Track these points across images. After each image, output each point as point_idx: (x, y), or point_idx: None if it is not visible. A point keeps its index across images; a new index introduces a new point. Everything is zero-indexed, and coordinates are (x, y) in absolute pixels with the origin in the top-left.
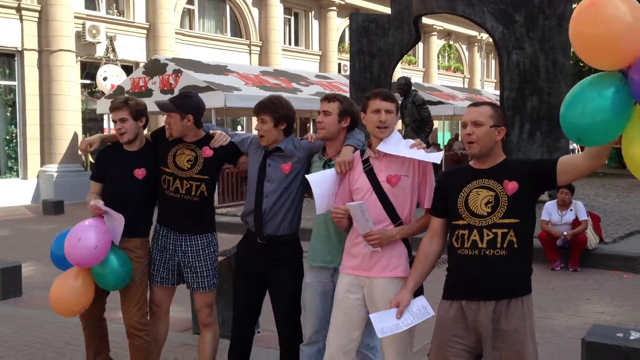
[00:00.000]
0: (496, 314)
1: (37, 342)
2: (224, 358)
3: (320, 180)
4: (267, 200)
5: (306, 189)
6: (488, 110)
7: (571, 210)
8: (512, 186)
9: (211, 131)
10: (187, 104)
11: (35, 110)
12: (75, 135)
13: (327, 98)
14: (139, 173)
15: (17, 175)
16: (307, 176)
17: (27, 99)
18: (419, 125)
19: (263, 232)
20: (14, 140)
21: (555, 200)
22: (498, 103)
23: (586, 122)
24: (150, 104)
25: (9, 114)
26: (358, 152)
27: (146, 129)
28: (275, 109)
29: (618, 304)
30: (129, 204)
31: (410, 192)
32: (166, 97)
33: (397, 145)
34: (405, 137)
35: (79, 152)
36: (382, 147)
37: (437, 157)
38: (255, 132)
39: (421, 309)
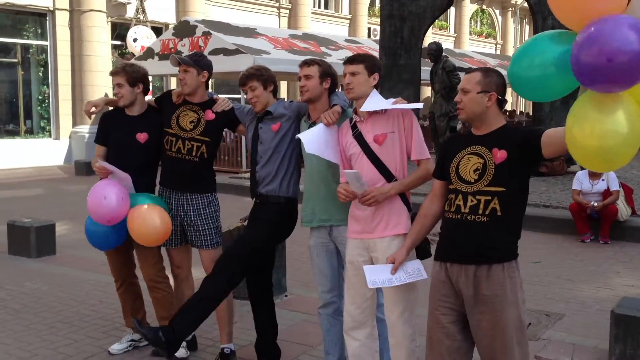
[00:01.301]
0: (477, 279)
1: (71, 299)
2: (245, 320)
3: (309, 134)
4: (260, 162)
5: (296, 151)
6: (477, 76)
7: (603, 180)
8: (500, 155)
9: (215, 96)
10: (204, 61)
11: (67, 71)
12: (107, 96)
13: (307, 63)
14: (141, 137)
15: (50, 136)
16: (298, 135)
17: (58, 59)
18: (448, 92)
19: (258, 191)
20: (47, 101)
21: (587, 170)
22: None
23: (531, 75)
24: (161, 67)
25: (41, 74)
26: (348, 119)
27: (149, 95)
28: (260, 74)
29: None
30: (132, 166)
31: (399, 148)
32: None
33: (378, 103)
34: (434, 104)
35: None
36: (363, 108)
37: (417, 104)
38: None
39: (415, 271)
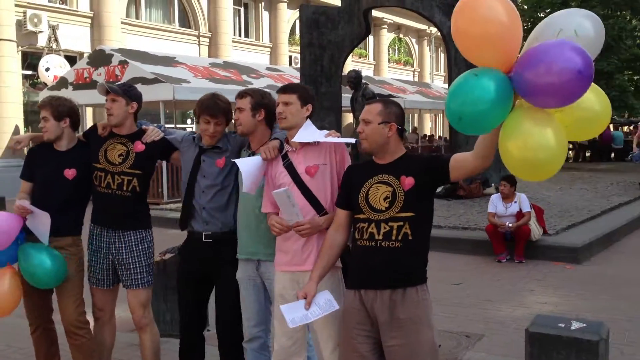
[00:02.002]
0: (392, 303)
1: None
2: (171, 357)
3: (246, 163)
4: (204, 196)
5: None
6: (377, 107)
7: (515, 202)
8: (408, 181)
9: (144, 126)
10: (134, 92)
11: None
12: (17, 128)
13: (239, 94)
14: (69, 173)
15: None
16: (235, 160)
17: None
18: None
19: (205, 230)
20: None
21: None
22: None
23: (466, 111)
24: (97, 96)
25: None
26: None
27: (80, 130)
28: (229, 109)
29: (561, 294)
30: (59, 203)
31: (330, 180)
32: None
33: (312, 134)
34: (355, 130)
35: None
36: (296, 138)
37: (349, 139)
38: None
39: (327, 302)
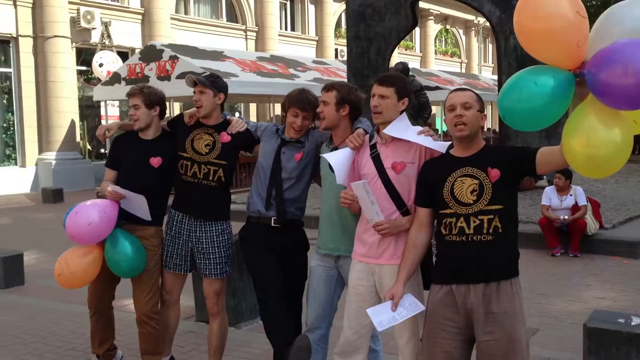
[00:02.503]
0: (486, 297)
1: (42, 330)
2: (233, 346)
3: (336, 156)
4: (281, 187)
5: (313, 175)
6: (473, 95)
7: (571, 195)
8: (495, 173)
9: (228, 117)
10: (220, 83)
11: (32, 98)
12: (73, 123)
13: (326, 87)
14: (155, 161)
15: (16, 164)
16: (323, 155)
17: (23, 86)
18: (417, 111)
19: (277, 216)
20: (12, 128)
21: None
22: (496, 88)
23: (520, 108)
24: (167, 90)
25: (5, 101)
26: (368, 136)
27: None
28: (315, 105)
29: (619, 289)
30: (144, 192)
31: (415, 179)
32: (163, 84)
33: (405, 130)
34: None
35: (78, 140)
36: (387, 130)
37: (443, 146)
38: (252, 119)
39: (412, 304)
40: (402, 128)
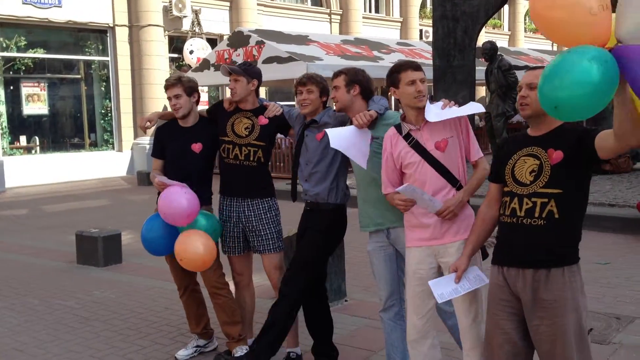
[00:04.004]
0: (535, 283)
1: (138, 306)
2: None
3: (338, 132)
4: (307, 168)
5: (347, 160)
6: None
7: None
8: (556, 155)
9: (265, 103)
10: (253, 70)
11: (128, 85)
12: (165, 109)
13: (334, 74)
14: (196, 147)
15: (113, 148)
16: (326, 130)
17: (119, 73)
18: (505, 92)
19: (306, 199)
20: (109, 114)
21: None
22: None
23: (562, 96)
24: (216, 78)
25: (103, 88)
26: (393, 129)
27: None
28: (320, 81)
29: None
30: (190, 176)
31: (459, 151)
32: None
33: (439, 110)
34: (490, 103)
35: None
36: (432, 118)
37: (478, 106)
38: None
39: (477, 277)
40: (435, 110)
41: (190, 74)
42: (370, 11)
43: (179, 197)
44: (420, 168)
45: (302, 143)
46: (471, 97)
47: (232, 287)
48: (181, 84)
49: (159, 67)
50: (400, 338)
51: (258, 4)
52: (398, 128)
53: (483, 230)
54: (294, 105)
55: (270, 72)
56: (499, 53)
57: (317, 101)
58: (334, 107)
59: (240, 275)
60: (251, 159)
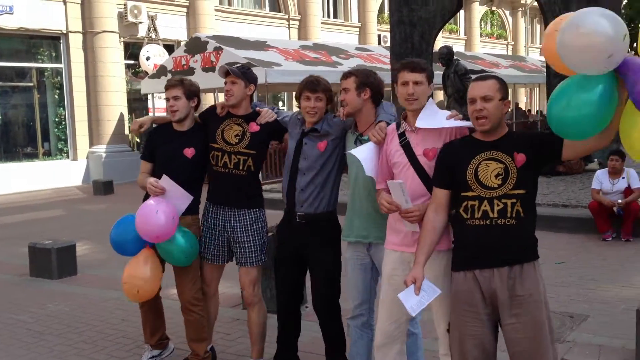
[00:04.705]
0: (510, 280)
1: (94, 318)
2: (273, 332)
3: (362, 150)
4: (304, 178)
5: (344, 167)
6: (495, 83)
7: (623, 178)
8: (520, 158)
9: (258, 108)
10: (251, 74)
11: (82, 92)
12: (122, 116)
13: (344, 75)
14: (188, 152)
15: (67, 157)
16: (350, 152)
17: (73, 81)
18: (462, 96)
19: (300, 211)
20: (63, 123)
21: (606, 169)
22: (544, 70)
23: (569, 115)
24: (212, 81)
25: (57, 96)
26: (394, 124)
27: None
28: (328, 89)
29: None
30: (179, 182)
31: None
32: (208, 75)
33: (434, 117)
34: (447, 108)
35: (127, 132)
36: (420, 124)
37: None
38: (295, 109)
39: (430, 287)
40: (431, 116)
41: (146, 81)
42: (328, 16)
43: (155, 216)
44: (405, 170)
45: (299, 151)
46: None
47: None
48: (182, 86)
49: (114, 74)
50: (365, 346)
51: (215, 10)
52: (398, 125)
53: (435, 238)
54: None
55: None
56: (455, 57)
57: (323, 109)
58: (340, 110)
59: (208, 286)
60: (240, 167)
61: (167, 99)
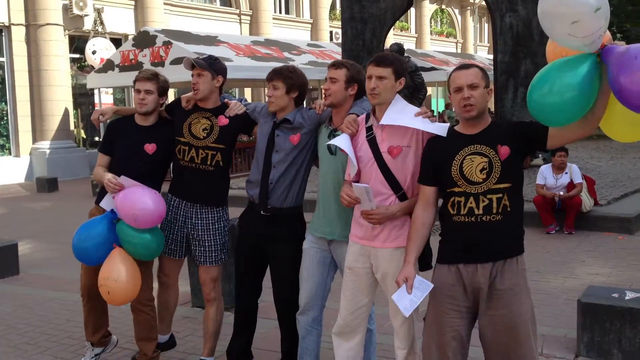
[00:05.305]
0: (492, 275)
1: (37, 319)
2: (229, 330)
3: (342, 141)
4: (274, 171)
5: (314, 159)
6: (479, 72)
7: (566, 173)
8: (504, 151)
9: (226, 100)
10: (219, 65)
11: (25, 87)
12: (67, 111)
13: (334, 65)
14: (149, 148)
15: (10, 153)
16: (331, 142)
17: (16, 75)
18: (412, 92)
19: (267, 204)
20: (5, 118)
21: (550, 164)
22: (492, 67)
23: (550, 101)
24: (122, 79)
25: None
26: (364, 116)
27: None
28: (288, 76)
29: (613, 265)
30: (137, 178)
31: (412, 163)
32: (157, 70)
33: (402, 113)
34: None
35: (72, 128)
36: (385, 120)
37: (442, 128)
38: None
39: (422, 283)
40: (397, 112)
41: (93, 75)
42: (280, 12)
43: (145, 197)
44: (370, 166)
45: (271, 144)
46: None
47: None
48: (157, 80)
49: (58, 67)
50: (315, 342)
51: (165, 4)
52: (368, 117)
53: (423, 236)
54: None
55: (178, 74)
56: (406, 55)
57: (283, 98)
58: (317, 103)
59: (167, 277)
60: (208, 162)
61: (138, 91)
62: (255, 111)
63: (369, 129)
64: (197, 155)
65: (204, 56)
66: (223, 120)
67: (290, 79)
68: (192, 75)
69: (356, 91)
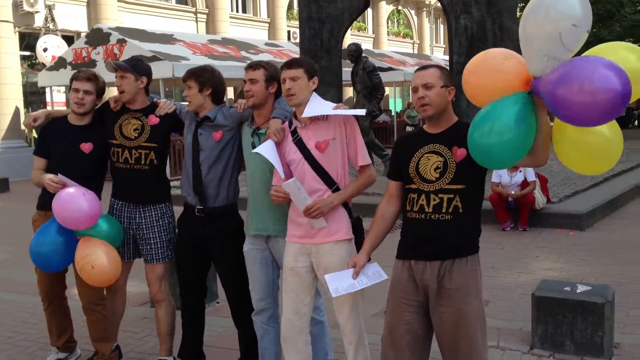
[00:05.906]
0: (441, 273)
1: None
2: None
3: (267, 148)
4: (202, 170)
5: (242, 157)
6: (437, 71)
7: (520, 171)
8: (460, 153)
9: (155, 100)
10: (142, 66)
11: None
12: (17, 110)
13: (252, 66)
14: (86, 147)
15: None
16: (256, 150)
17: None
18: (370, 92)
19: (200, 204)
20: None
21: None
22: (447, 68)
23: (492, 142)
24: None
25: None
26: (287, 123)
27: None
28: (199, 74)
29: (565, 260)
30: (76, 178)
31: (340, 155)
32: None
33: (320, 106)
34: (357, 104)
35: (23, 127)
36: (306, 113)
37: (360, 110)
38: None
39: (375, 273)
40: (316, 106)
41: (44, 73)
42: (237, 11)
43: (78, 198)
44: (301, 166)
45: (197, 144)
46: (339, 97)
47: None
48: (97, 82)
49: (8, 65)
50: (273, 341)
51: (118, 1)
52: (291, 122)
53: (382, 228)
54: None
55: None
56: (363, 55)
57: (197, 97)
58: (239, 102)
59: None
60: (142, 162)
61: (77, 90)
62: (181, 112)
63: (294, 132)
64: (130, 156)
65: (128, 58)
66: (153, 120)
67: (202, 77)
68: (116, 78)
69: (276, 89)
